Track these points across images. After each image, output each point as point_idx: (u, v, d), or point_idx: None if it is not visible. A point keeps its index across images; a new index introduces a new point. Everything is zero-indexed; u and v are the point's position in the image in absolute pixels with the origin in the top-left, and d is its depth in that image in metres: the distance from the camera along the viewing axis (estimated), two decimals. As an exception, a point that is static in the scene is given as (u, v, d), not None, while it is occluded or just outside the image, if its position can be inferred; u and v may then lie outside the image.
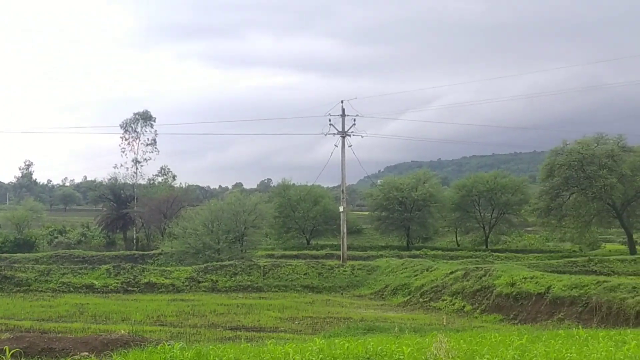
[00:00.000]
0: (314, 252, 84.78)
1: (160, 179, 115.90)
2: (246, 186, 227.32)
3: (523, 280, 40.80)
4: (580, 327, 24.55)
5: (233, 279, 57.30)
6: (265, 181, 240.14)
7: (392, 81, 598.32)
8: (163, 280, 55.82)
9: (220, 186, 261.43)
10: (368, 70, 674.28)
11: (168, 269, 60.08)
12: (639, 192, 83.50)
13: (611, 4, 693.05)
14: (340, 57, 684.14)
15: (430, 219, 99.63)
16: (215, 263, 61.12)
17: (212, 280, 56.75)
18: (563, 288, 37.11)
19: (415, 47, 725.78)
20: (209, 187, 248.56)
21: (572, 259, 68.90)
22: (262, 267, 59.39)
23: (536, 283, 39.59)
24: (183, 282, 55.98)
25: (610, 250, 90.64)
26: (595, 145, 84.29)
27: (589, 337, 17.91)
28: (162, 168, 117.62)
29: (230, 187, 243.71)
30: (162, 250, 78.50)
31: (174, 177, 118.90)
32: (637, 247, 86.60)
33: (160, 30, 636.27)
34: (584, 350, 14.64)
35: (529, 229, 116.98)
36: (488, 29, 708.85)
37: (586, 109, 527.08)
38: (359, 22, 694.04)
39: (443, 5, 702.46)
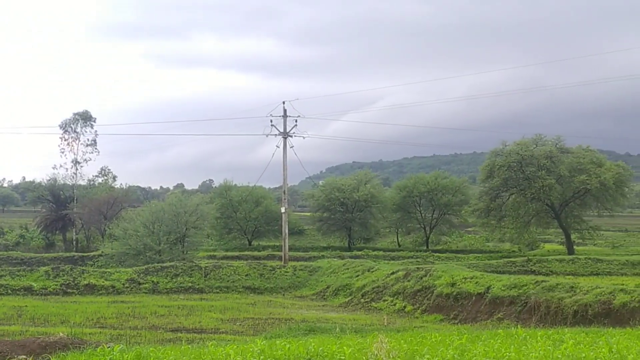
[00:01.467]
0: (255, 253, 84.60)
1: (100, 180, 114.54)
2: (188, 187, 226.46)
3: (463, 280, 41.16)
4: (519, 326, 24.79)
5: (174, 280, 56.97)
6: (207, 182, 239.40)
7: (335, 82, 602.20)
8: (103, 282, 55.27)
9: (161, 187, 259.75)
10: (312, 71, 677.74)
11: (108, 270, 59.48)
12: (576, 193, 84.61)
13: (552, 6, 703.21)
14: (285, 58, 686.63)
15: (371, 220, 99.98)
16: (156, 264, 60.68)
17: (152, 281, 56.36)
18: (502, 288, 37.51)
19: (360, 48, 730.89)
20: (150, 188, 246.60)
21: (512, 259, 69.68)
22: (203, 269, 59.13)
23: (476, 283, 39.97)
24: (123, 284, 55.50)
25: (548, 251, 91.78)
26: (534, 146, 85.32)
27: (528, 337, 18.11)
28: (102, 169, 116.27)
29: (171, 187, 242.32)
30: (102, 252, 77.68)
31: (114, 177, 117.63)
32: (575, 247, 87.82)
33: (104, 29, 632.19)
34: (523, 349, 14.80)
35: (469, 229, 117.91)
36: (432, 31, 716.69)
37: (526, 111, 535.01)
38: (304, 23, 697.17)
39: (388, 6, 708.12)
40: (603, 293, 32.23)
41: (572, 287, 34.44)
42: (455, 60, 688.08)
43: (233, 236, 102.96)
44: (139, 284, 55.85)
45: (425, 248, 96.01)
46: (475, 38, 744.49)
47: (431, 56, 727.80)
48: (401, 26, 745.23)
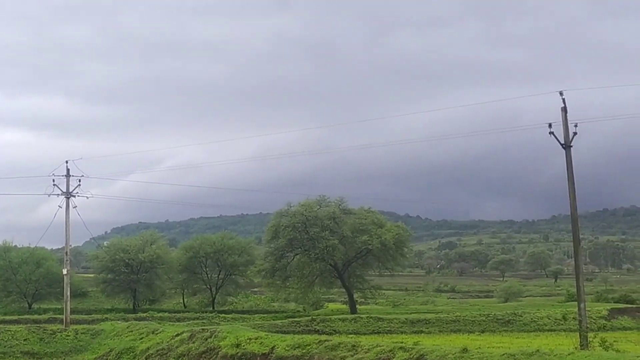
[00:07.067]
0: (36, 317, 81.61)
1: None
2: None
3: (248, 341, 41.27)
4: (302, 385, 25.22)
5: (-55, 347, 54.19)
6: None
7: (126, 141, 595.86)
8: None
9: None
10: (104, 130, 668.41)
11: None
12: (359, 253, 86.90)
13: (342, 71, 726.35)
14: (77, 116, 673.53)
15: (157, 281, 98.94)
16: None
17: None
18: (287, 348, 37.88)
19: (152, 108, 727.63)
20: None
21: (296, 319, 70.49)
22: (-22, 334, 56.58)
23: (261, 343, 40.17)
24: None
25: (332, 310, 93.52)
26: (318, 207, 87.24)
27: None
28: None
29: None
30: None
31: None
32: (357, 306, 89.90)
33: None
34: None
35: (255, 289, 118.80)
36: (227, 92, 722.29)
37: (312, 172, 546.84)
38: (97, 80, 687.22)
39: (181, 66, 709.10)
40: (383, 351, 33.11)
41: (354, 345, 35.19)
42: (247, 120, 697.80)
43: (12, 299, 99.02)
44: None
45: (211, 309, 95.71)
46: (268, 99, 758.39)
47: (223, 117, 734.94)
48: (197, 86, 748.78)
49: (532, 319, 71.15)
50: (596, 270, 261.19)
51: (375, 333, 63.79)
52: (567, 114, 40.99)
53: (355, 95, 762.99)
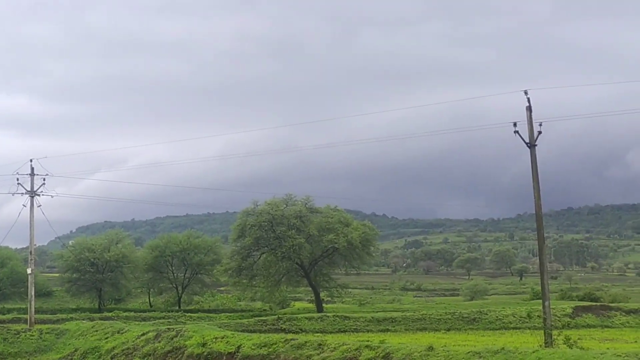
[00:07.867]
0: (0, 317, 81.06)
1: None
2: None
3: (214, 340, 41.17)
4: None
5: None
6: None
7: (90, 139, 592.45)
8: None
9: None
10: (67, 128, 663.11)
11: None
12: (325, 252, 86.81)
13: (307, 71, 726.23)
14: (41, 114, 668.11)
15: (123, 280, 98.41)
16: None
17: None
18: (253, 347, 37.83)
19: (118, 106, 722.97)
20: None
21: (263, 318, 70.33)
22: (-59, 335, 56.03)
23: (227, 342, 40.08)
24: None
25: (298, 309, 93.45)
26: (285, 206, 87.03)
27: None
28: None
29: None
30: None
31: None
32: (324, 305, 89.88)
33: None
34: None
35: (222, 288, 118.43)
36: (192, 91, 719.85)
37: (278, 170, 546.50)
38: (61, 79, 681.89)
39: (149, 65, 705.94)
40: (349, 350, 33.15)
41: (320, 344, 35.20)
42: (212, 119, 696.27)
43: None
44: None
45: (177, 308, 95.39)
46: (233, 98, 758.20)
47: (187, 115, 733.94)
48: (163, 85, 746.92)
49: (497, 317, 71.51)
50: (561, 269, 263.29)
51: (342, 332, 63.79)
52: (532, 113, 41.22)
53: (320, 94, 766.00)
